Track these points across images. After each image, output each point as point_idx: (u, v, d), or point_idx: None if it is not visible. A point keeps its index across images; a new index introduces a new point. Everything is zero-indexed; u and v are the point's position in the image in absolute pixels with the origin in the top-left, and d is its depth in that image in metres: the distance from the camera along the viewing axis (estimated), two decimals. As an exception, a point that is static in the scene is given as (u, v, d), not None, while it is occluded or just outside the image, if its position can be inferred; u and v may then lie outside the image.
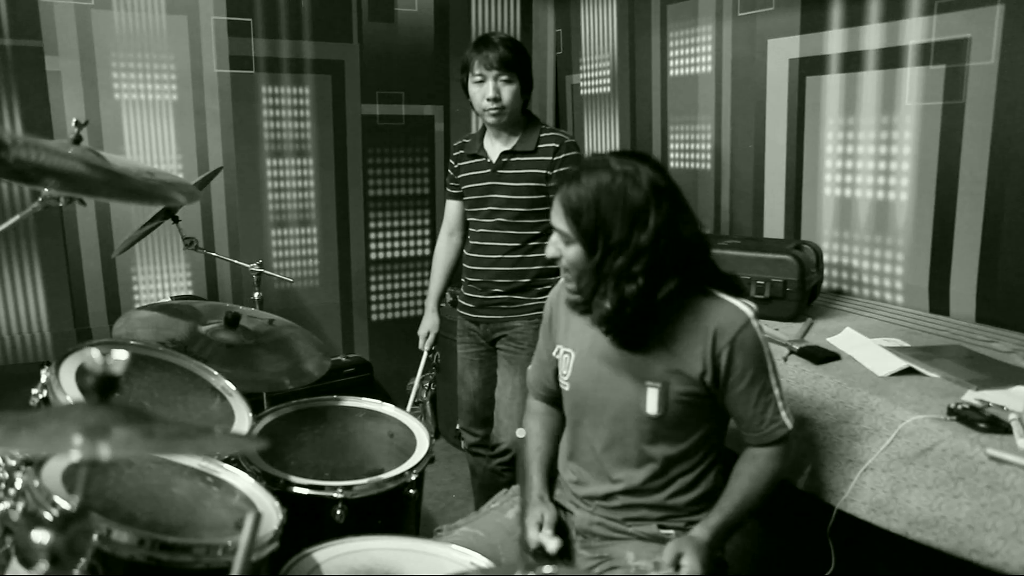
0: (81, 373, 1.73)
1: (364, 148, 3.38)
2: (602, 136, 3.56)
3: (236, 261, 2.52)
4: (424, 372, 3.37)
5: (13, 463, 1.09)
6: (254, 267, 2.53)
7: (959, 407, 1.45)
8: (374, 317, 3.52)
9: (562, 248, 1.39)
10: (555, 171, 2.16)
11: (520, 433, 0.97)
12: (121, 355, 0.67)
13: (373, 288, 3.50)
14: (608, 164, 1.35)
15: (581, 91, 3.64)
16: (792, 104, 2.59)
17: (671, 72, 3.10)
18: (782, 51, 2.60)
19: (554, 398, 1.61)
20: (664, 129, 3.18)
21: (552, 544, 1.35)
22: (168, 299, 3.01)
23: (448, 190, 2.43)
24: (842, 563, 1.52)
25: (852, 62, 2.37)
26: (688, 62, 3.01)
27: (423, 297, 3.41)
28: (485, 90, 2.15)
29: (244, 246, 3.17)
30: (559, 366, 1.53)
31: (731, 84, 2.83)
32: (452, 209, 2.43)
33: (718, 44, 2.86)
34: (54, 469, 1.05)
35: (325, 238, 3.36)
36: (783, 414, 1.40)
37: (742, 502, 1.37)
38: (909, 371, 1.69)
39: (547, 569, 1.23)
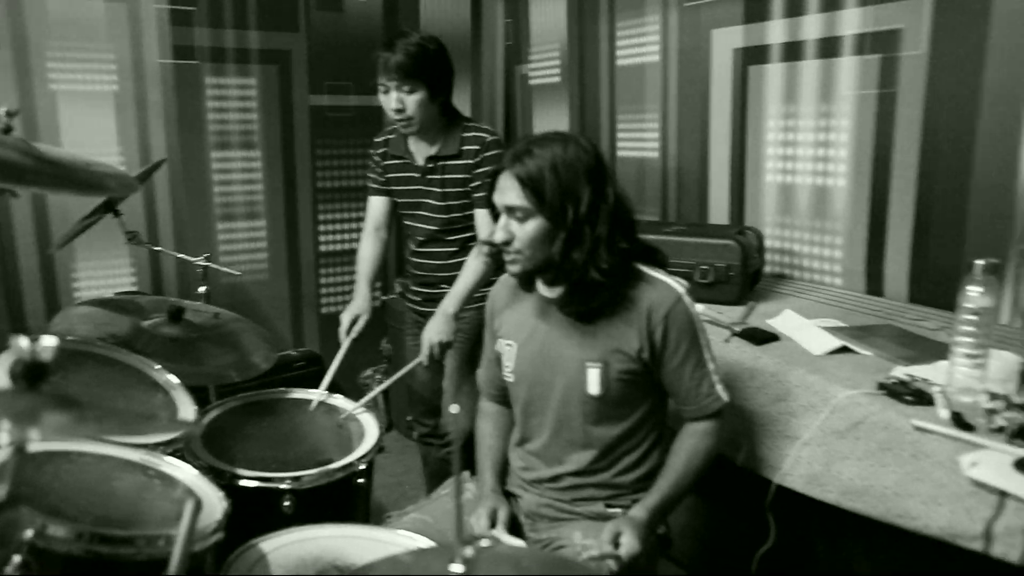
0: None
1: (312, 139, 3.35)
2: (552, 126, 3.57)
3: (181, 255, 2.47)
4: (374, 366, 3.38)
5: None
6: (200, 260, 2.49)
7: (888, 382, 1.52)
8: (324, 310, 3.49)
9: (515, 228, 1.38)
10: (477, 172, 2.10)
11: (454, 409, 0.98)
12: (50, 341, 0.67)
13: (323, 280, 3.47)
14: (552, 137, 1.38)
15: (531, 81, 3.65)
16: (735, 93, 2.64)
17: (619, 62, 3.14)
18: (726, 41, 2.65)
19: (504, 396, 1.63)
20: (612, 118, 3.21)
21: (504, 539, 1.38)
22: (110, 295, 2.94)
23: (371, 185, 2.33)
24: (781, 535, 1.57)
25: (792, 52, 2.43)
26: (635, 52, 3.05)
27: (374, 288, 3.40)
28: (390, 101, 2.06)
29: (190, 240, 3.12)
30: (502, 359, 1.55)
31: (677, 73, 2.87)
32: (377, 206, 2.34)
33: (664, 34, 2.90)
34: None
35: (274, 231, 3.32)
36: (718, 388, 1.45)
37: (679, 480, 1.41)
38: (844, 350, 1.75)
39: (502, 535, 1.25)
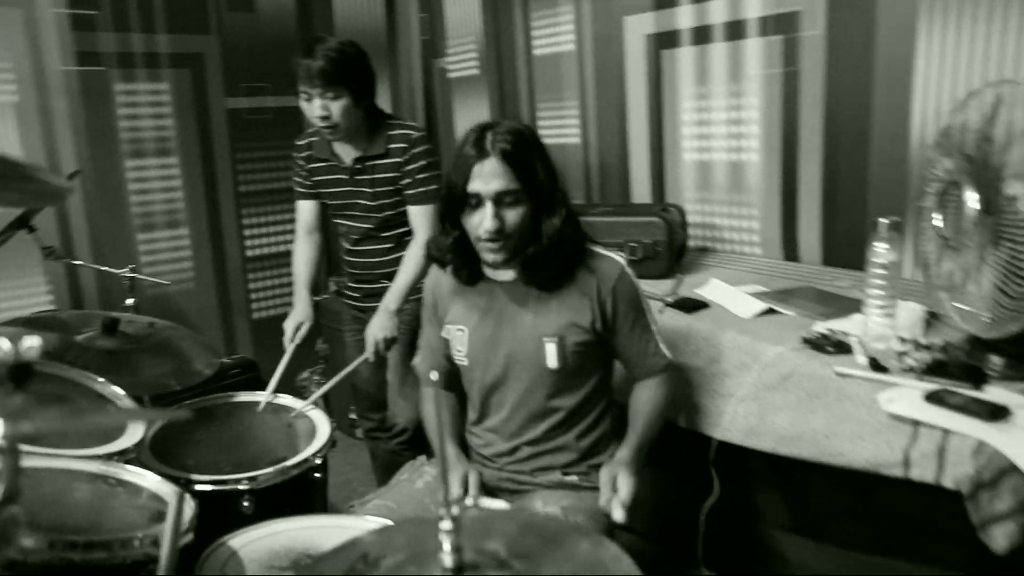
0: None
1: (232, 143, 3.29)
2: (473, 118, 3.62)
3: (106, 268, 2.39)
4: (311, 367, 3.35)
5: None
6: (126, 272, 2.42)
7: (811, 337, 1.64)
8: (256, 315, 3.44)
9: (506, 214, 1.40)
10: (406, 168, 2.11)
11: (434, 376, 1.01)
12: (33, 341, 0.67)
13: (252, 286, 3.42)
14: (509, 124, 1.44)
15: (449, 75, 3.68)
16: (650, 77, 2.75)
17: (535, 52, 3.21)
18: (638, 27, 2.75)
19: (449, 382, 1.65)
20: (532, 107, 3.28)
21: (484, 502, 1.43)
22: (27, 315, 2.82)
23: (298, 189, 2.31)
24: (725, 488, 1.68)
25: (701, 35, 2.55)
26: (551, 41, 3.12)
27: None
28: (313, 108, 2.04)
29: (109, 253, 3.01)
30: (452, 345, 1.58)
31: (593, 61, 2.96)
32: (306, 209, 2.32)
33: (578, 23, 2.98)
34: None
35: (197, 238, 3.24)
36: (662, 347, 1.56)
37: (649, 423, 1.51)
38: (769, 311, 1.88)
39: (481, 499, 1.31)
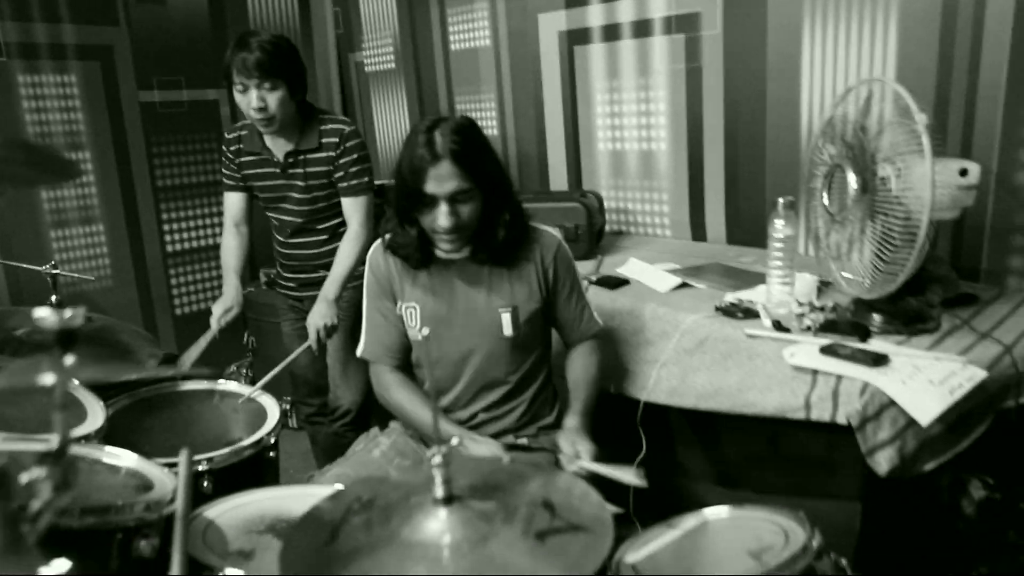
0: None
1: (147, 137, 3.23)
2: (390, 111, 3.69)
3: (28, 265, 2.33)
4: (239, 360, 3.35)
5: None
6: (47, 269, 2.37)
7: (722, 305, 1.84)
8: (179, 311, 3.40)
9: (460, 210, 1.48)
10: (339, 162, 2.16)
11: (425, 331, 1.11)
12: (78, 310, 0.75)
13: (174, 281, 3.38)
14: (445, 118, 1.52)
15: (366, 68, 3.74)
16: (564, 72, 2.92)
17: (452, 47, 3.32)
18: (551, 24, 2.91)
19: (405, 360, 1.71)
20: (451, 101, 3.39)
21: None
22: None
23: (226, 181, 2.33)
24: (651, 445, 1.85)
25: (611, 33, 2.73)
26: (467, 36, 3.24)
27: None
28: (249, 100, 2.06)
29: (20, 250, 2.91)
30: (406, 321, 1.67)
31: (509, 56, 3.10)
32: (235, 201, 2.34)
33: (493, 20, 3.11)
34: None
35: (114, 234, 3.18)
36: (595, 315, 1.74)
37: (588, 387, 1.67)
38: (683, 286, 2.08)
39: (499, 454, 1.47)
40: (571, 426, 1.58)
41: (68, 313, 0.74)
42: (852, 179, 1.67)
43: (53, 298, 2.40)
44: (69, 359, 0.74)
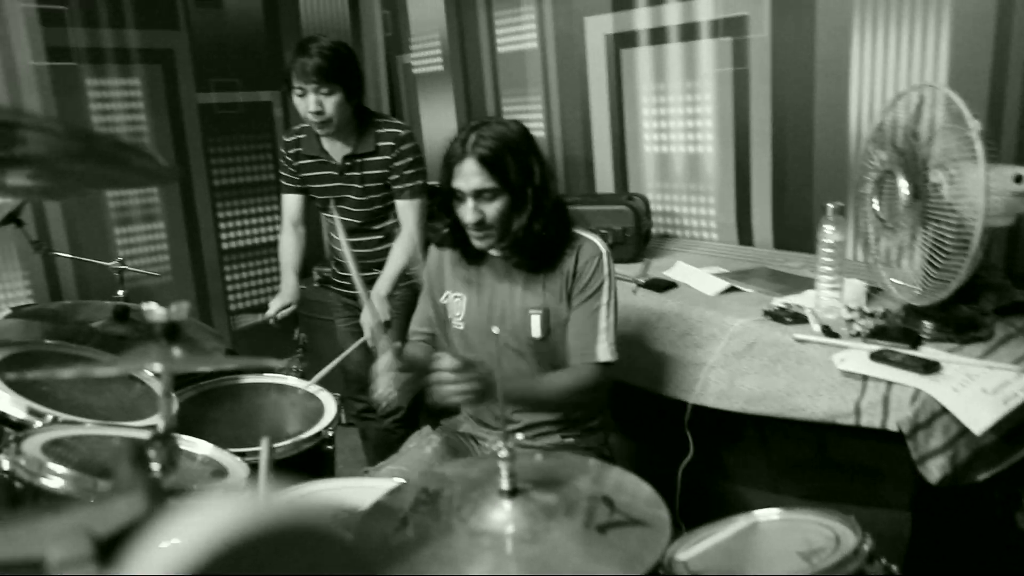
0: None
1: (204, 138, 3.34)
2: (438, 112, 3.76)
3: (99, 261, 2.45)
4: (289, 356, 3.45)
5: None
6: (115, 265, 2.48)
7: (771, 309, 1.86)
8: (233, 307, 3.51)
9: (484, 207, 1.55)
10: (395, 165, 2.24)
11: (495, 330, 1.15)
12: (182, 304, 0.81)
13: (229, 278, 3.49)
14: (493, 122, 1.58)
15: (414, 70, 3.81)
16: (611, 74, 2.94)
17: (499, 49, 3.36)
18: (598, 27, 2.94)
19: (431, 341, 1.81)
20: (498, 103, 3.44)
21: None
22: (7, 311, 2.84)
23: (285, 184, 2.42)
24: (699, 448, 1.88)
25: (658, 36, 2.75)
26: (514, 39, 3.29)
27: (280, 282, 3.45)
28: (307, 103, 2.13)
29: (87, 247, 3.04)
30: (449, 311, 1.74)
31: (556, 59, 3.14)
32: (292, 202, 2.43)
33: (540, 22, 3.15)
34: (33, 445, 1.12)
35: (173, 232, 3.30)
36: (607, 347, 1.61)
37: (531, 387, 1.62)
38: (731, 289, 2.10)
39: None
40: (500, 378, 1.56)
41: (174, 308, 0.80)
42: (903, 185, 1.67)
43: (120, 292, 2.52)
44: (175, 350, 0.80)
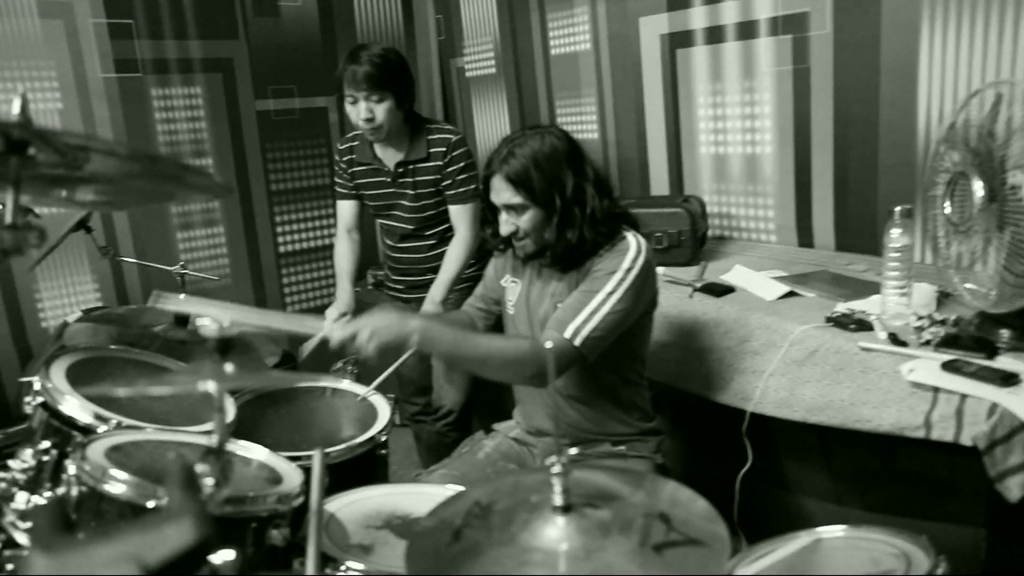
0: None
1: (262, 144, 3.42)
2: (491, 115, 3.76)
3: (160, 266, 2.53)
4: (345, 358, 3.50)
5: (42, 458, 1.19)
6: (177, 269, 2.56)
7: (834, 315, 1.79)
8: (290, 309, 3.58)
9: (516, 220, 1.58)
10: (447, 171, 2.25)
11: (548, 344, 1.15)
12: (230, 320, 0.82)
13: (285, 280, 3.56)
14: (527, 135, 1.59)
15: (467, 74, 3.82)
16: (666, 75, 2.89)
17: (552, 51, 3.34)
18: (653, 27, 2.89)
19: (479, 316, 1.85)
20: (551, 105, 3.42)
21: None
22: (79, 313, 2.96)
23: (339, 190, 2.45)
24: (757, 457, 1.83)
25: (714, 35, 2.69)
26: (568, 41, 3.26)
27: (336, 285, 3.51)
28: (359, 111, 2.15)
29: (151, 251, 3.14)
30: (505, 294, 1.77)
31: (609, 59, 3.10)
32: (347, 208, 2.45)
33: (594, 23, 3.12)
34: (97, 450, 1.15)
35: (232, 236, 3.38)
36: (570, 327, 1.50)
37: (478, 342, 1.58)
38: (791, 294, 2.03)
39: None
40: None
41: (226, 323, 0.81)
42: (978, 187, 1.59)
43: (182, 296, 2.60)
44: (228, 365, 0.80)
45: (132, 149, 0.90)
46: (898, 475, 1.73)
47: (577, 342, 1.49)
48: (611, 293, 1.52)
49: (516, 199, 1.56)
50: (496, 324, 1.86)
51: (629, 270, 1.54)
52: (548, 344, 1.18)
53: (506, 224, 1.60)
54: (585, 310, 1.51)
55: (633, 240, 1.60)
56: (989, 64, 2.02)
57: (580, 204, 1.57)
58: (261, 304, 3.49)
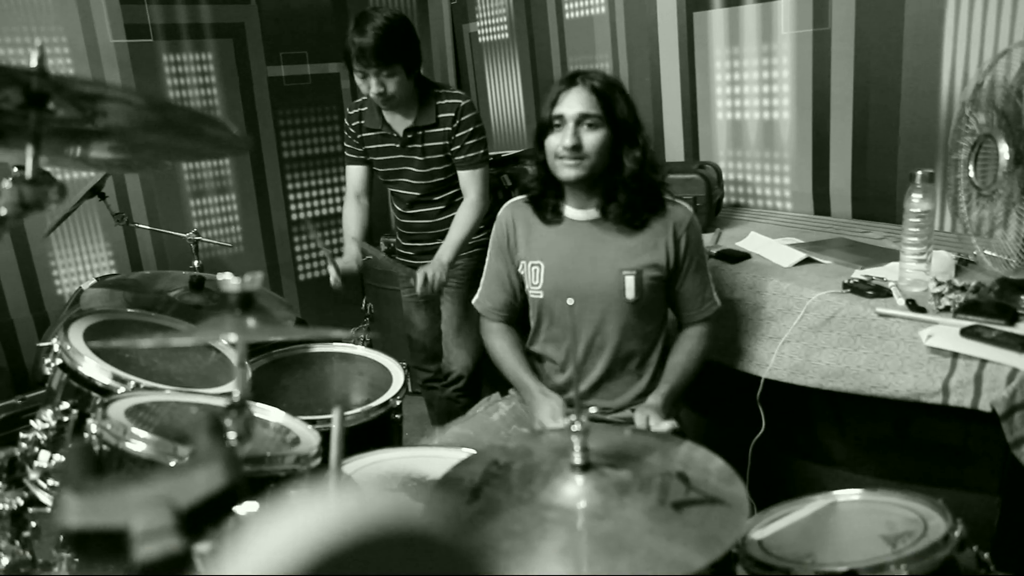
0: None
1: (274, 110, 3.40)
2: (504, 81, 3.71)
3: (173, 232, 2.53)
4: (357, 325, 3.51)
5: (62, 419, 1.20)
6: (190, 236, 2.56)
7: (851, 281, 1.77)
8: (301, 276, 3.58)
9: (583, 134, 1.57)
10: (455, 136, 2.22)
11: (570, 301, 1.17)
12: (257, 274, 0.82)
13: (297, 248, 3.56)
14: (593, 69, 1.62)
15: (479, 39, 3.77)
16: (682, 38, 2.84)
17: (567, 15, 3.29)
18: (669, -10, 2.83)
19: (512, 316, 1.81)
20: (564, 70, 3.37)
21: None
22: (93, 280, 2.97)
23: (348, 155, 2.43)
24: (770, 424, 1.83)
25: (733, -2, 2.64)
26: (582, 4, 3.20)
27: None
28: (369, 85, 2.14)
29: (164, 219, 3.15)
30: (527, 279, 1.73)
31: (624, 23, 3.05)
32: (356, 174, 2.43)
33: (609, -13, 3.06)
34: (117, 409, 1.17)
35: (244, 203, 3.38)
36: (715, 295, 1.75)
37: (682, 374, 1.67)
38: (807, 261, 2.01)
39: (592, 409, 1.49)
40: (651, 403, 1.60)
41: (248, 278, 0.81)
42: (1004, 150, 1.56)
43: (195, 263, 2.60)
44: (249, 320, 0.80)
45: (147, 97, 0.89)
46: (911, 442, 1.73)
47: (719, 303, 1.76)
48: (706, 257, 1.75)
49: (595, 110, 1.57)
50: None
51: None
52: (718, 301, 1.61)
53: (572, 136, 1.55)
54: (709, 279, 1.74)
55: (689, 208, 1.71)
56: (1018, 23, 1.97)
57: (642, 147, 1.62)
58: (273, 271, 3.49)
